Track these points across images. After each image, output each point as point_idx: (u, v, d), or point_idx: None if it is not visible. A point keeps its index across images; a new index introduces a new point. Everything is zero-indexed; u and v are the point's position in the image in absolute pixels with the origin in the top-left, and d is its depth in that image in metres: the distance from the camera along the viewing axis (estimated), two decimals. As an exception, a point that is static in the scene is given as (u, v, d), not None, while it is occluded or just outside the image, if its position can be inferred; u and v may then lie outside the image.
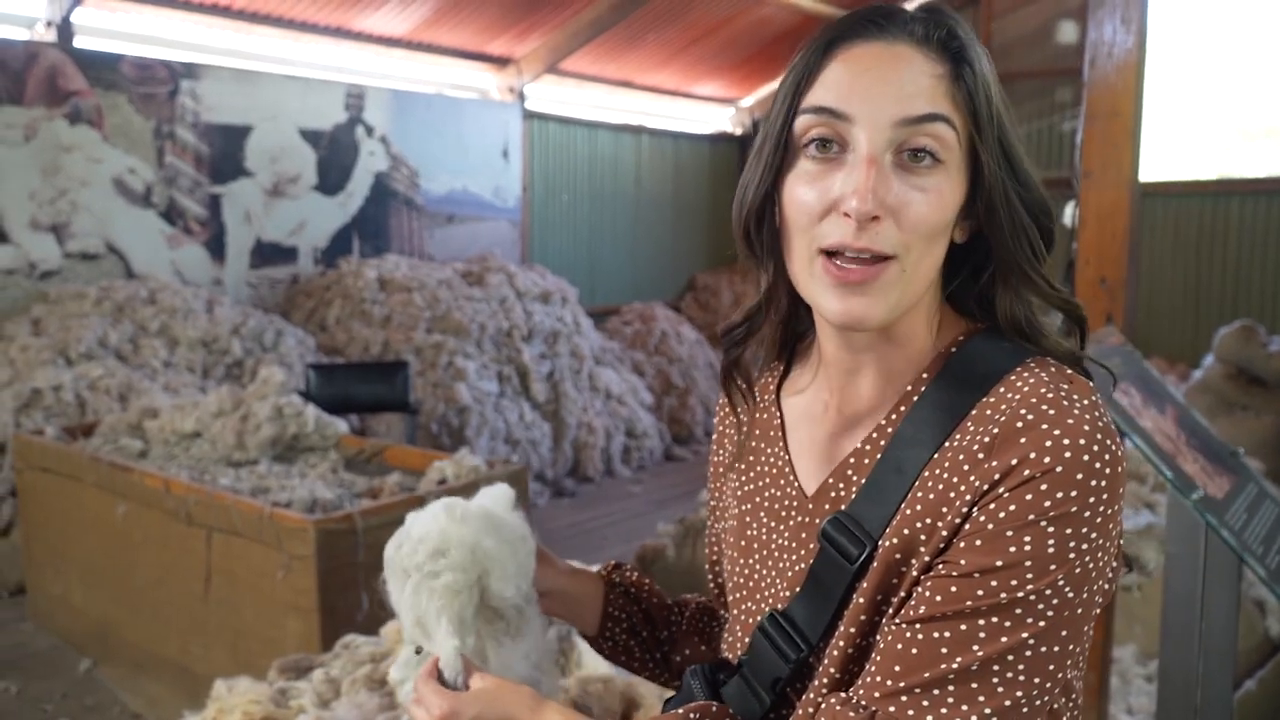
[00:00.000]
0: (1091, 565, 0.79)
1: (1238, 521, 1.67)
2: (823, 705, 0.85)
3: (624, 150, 10.17)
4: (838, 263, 0.85)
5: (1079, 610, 0.80)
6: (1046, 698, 0.80)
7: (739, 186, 0.94)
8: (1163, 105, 9.02)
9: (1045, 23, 9.73)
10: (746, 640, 0.97)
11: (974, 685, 0.78)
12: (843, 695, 0.84)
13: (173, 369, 5.79)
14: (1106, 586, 0.83)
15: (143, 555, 3.69)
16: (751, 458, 1.05)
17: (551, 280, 8.14)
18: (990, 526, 0.79)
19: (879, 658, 0.83)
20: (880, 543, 0.86)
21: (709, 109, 11.22)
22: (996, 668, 0.78)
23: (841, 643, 0.88)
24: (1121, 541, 0.85)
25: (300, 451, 4.20)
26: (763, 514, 1.00)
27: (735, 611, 1.02)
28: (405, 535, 1.11)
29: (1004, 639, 0.78)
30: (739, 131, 11.50)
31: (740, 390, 1.06)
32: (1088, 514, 0.78)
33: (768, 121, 0.91)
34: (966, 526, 0.81)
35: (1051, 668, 0.79)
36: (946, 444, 0.85)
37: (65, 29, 6.18)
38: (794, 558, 0.95)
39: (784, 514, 0.98)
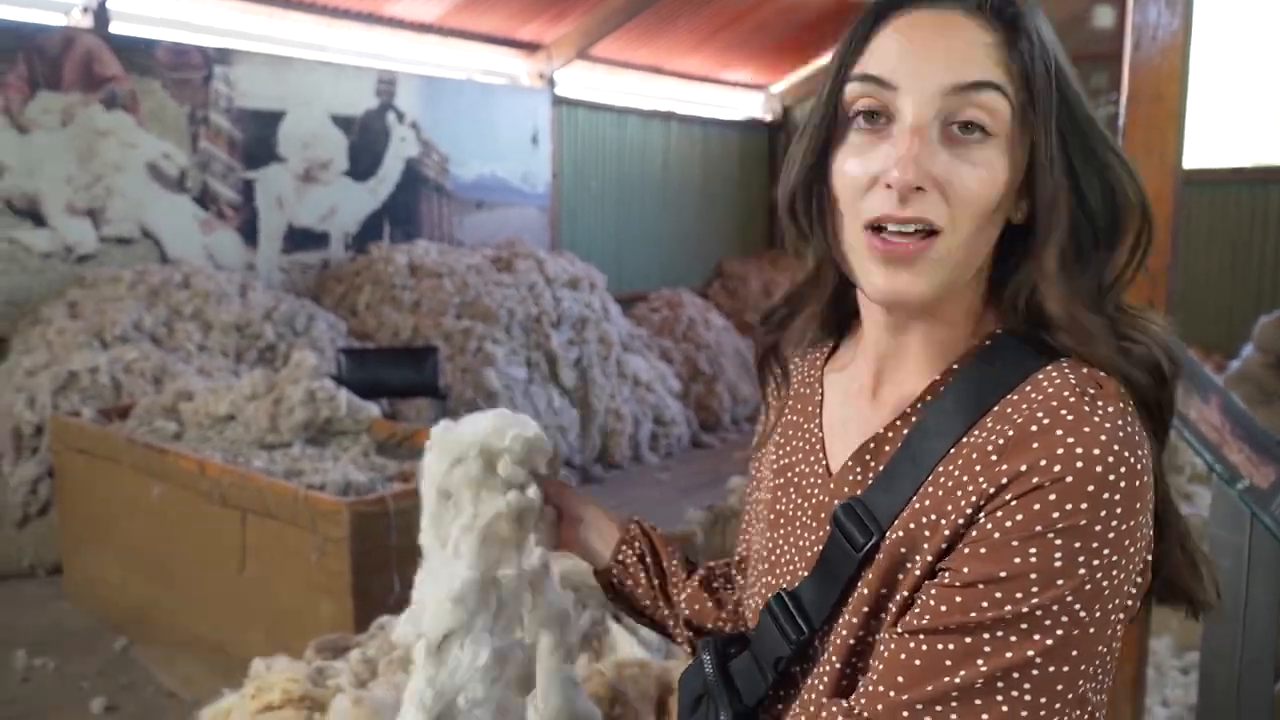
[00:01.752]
0: (1105, 582, 0.75)
1: (1283, 512, 1.65)
2: (824, 715, 0.83)
3: (653, 136, 10.14)
4: (883, 236, 0.83)
5: (1091, 630, 0.75)
6: (1064, 718, 0.76)
7: (786, 160, 0.91)
8: (1202, 91, 8.89)
9: (1080, 7, 9.61)
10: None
11: (977, 702, 0.75)
12: (845, 704, 0.82)
13: (206, 352, 5.84)
14: (1129, 604, 0.78)
15: (178, 536, 3.73)
16: (791, 431, 1.03)
17: (580, 266, 8.14)
18: (996, 535, 0.76)
19: (881, 666, 0.81)
20: (887, 534, 0.84)
21: (739, 95, 11.17)
22: (1001, 684, 0.75)
23: (844, 631, 0.86)
24: (1150, 557, 0.80)
25: (332, 435, 4.22)
26: (792, 489, 0.99)
27: (757, 584, 1.01)
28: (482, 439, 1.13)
29: (1009, 654, 0.74)
30: (769, 118, 11.45)
31: (774, 374, 1.05)
32: (1099, 528, 0.74)
33: (819, 92, 0.88)
34: (972, 532, 0.78)
35: (1060, 688, 0.75)
36: (965, 439, 0.83)
37: (101, 15, 6.23)
38: (812, 537, 0.94)
39: (809, 490, 0.97)
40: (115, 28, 6.31)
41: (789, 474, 1.01)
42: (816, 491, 0.96)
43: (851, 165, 0.85)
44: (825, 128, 0.87)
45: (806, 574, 0.91)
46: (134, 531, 3.99)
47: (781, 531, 0.99)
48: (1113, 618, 0.77)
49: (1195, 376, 1.87)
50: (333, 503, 3.11)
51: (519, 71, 8.98)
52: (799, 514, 0.97)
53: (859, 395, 0.96)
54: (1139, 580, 0.79)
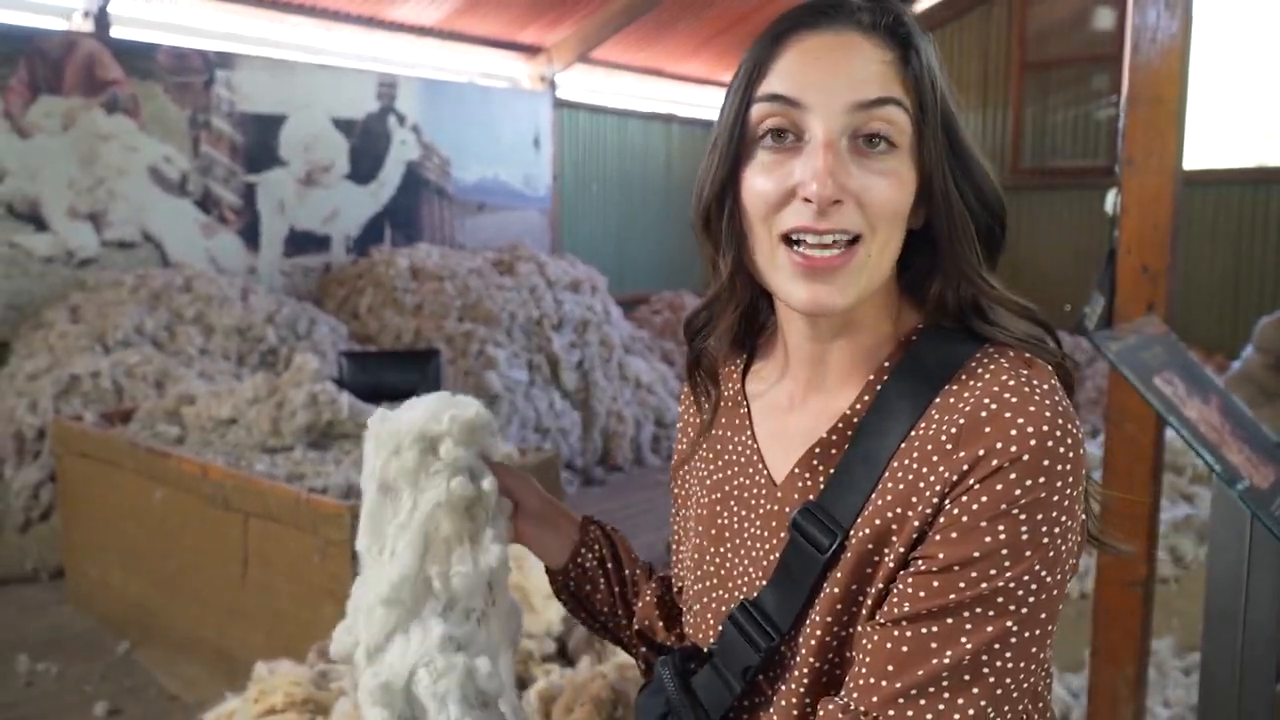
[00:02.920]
0: (1063, 546, 0.81)
1: (1283, 512, 1.65)
2: (820, 713, 0.86)
3: (654, 139, 10.15)
4: (801, 250, 0.86)
5: (1054, 592, 0.81)
6: (1032, 679, 0.82)
7: (697, 180, 0.95)
8: (1201, 92, 8.89)
9: (1081, 9, 9.61)
10: (718, 628, 0.97)
11: (966, 677, 0.79)
12: (839, 701, 0.85)
13: (208, 356, 5.84)
14: (1072, 563, 0.84)
15: (180, 539, 3.73)
16: (720, 446, 1.04)
17: (581, 269, 8.14)
18: (964, 519, 0.80)
19: (868, 659, 0.84)
20: (851, 533, 0.87)
21: (739, 97, 11.18)
22: (985, 657, 0.79)
23: (819, 632, 0.88)
24: (1084, 518, 0.86)
25: (334, 438, 4.23)
26: (733, 502, 1.00)
27: (705, 600, 1.02)
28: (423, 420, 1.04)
29: (989, 628, 0.79)
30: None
31: (703, 383, 1.06)
32: (1055, 498, 0.79)
33: (723, 113, 0.92)
34: (940, 519, 0.82)
35: (1034, 650, 0.81)
36: (913, 433, 0.86)
37: (102, 19, 6.24)
38: (766, 547, 0.96)
39: (754, 502, 0.98)
40: (116, 32, 6.32)
41: (726, 488, 1.02)
42: (762, 502, 0.97)
43: (762, 182, 0.88)
44: (734, 147, 0.90)
45: (765, 582, 0.93)
46: (136, 535, 3.99)
47: (729, 545, 1.00)
48: (1067, 578, 0.83)
49: (1195, 376, 1.88)
50: (335, 506, 3.11)
51: (520, 74, 8.99)
52: (746, 526, 0.98)
53: (790, 404, 0.99)
54: (1080, 540, 0.85)
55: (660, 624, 1.13)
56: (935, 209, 0.89)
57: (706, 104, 10.88)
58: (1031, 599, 0.80)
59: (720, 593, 1.00)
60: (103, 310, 5.71)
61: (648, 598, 1.15)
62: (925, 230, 0.92)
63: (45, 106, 5.88)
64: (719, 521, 1.01)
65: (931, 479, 0.83)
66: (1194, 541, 3.48)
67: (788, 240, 0.87)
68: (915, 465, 0.85)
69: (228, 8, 6.93)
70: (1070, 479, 0.80)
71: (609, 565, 1.16)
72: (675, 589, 1.14)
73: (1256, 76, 9.27)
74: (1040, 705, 0.89)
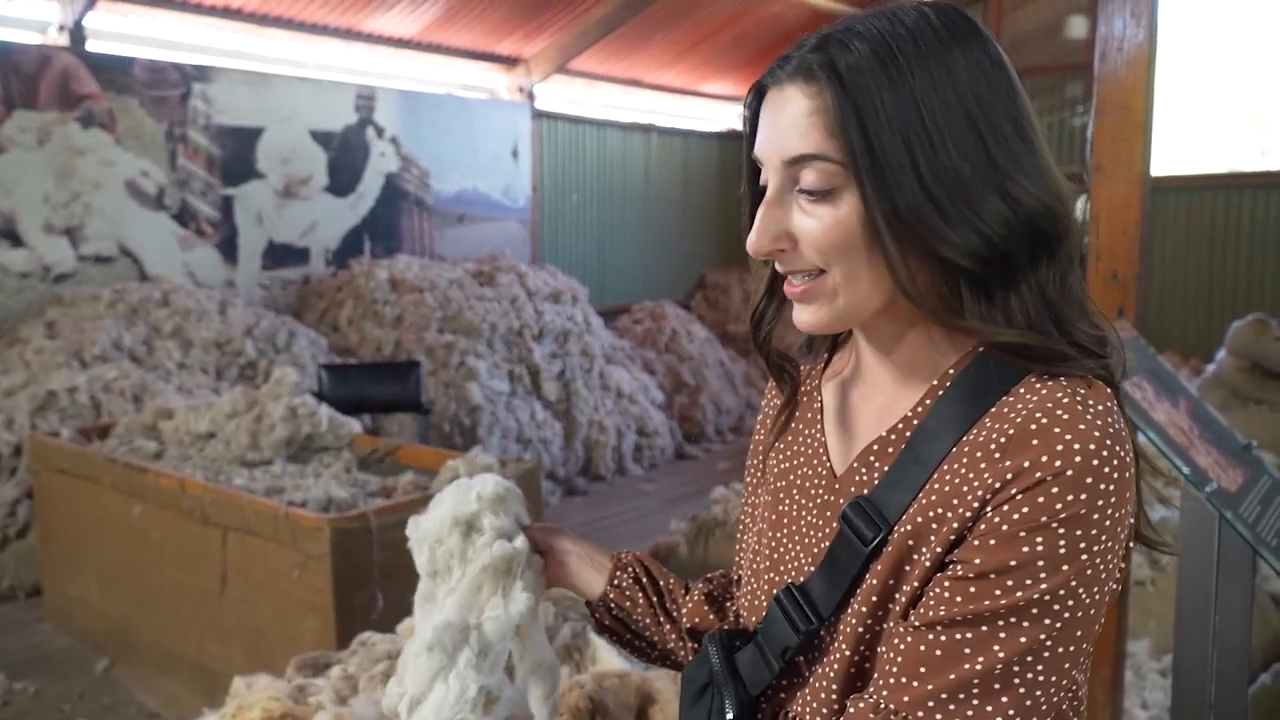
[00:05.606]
0: (1101, 566, 0.82)
1: (1251, 514, 1.67)
2: (851, 710, 0.88)
3: (633, 149, 10.17)
4: (789, 280, 0.95)
5: (1091, 610, 0.82)
6: (1062, 694, 0.83)
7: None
8: (1173, 98, 8.98)
9: (1055, 18, 9.70)
10: (767, 610, 1.00)
11: (997, 686, 0.81)
12: (870, 700, 0.87)
13: (186, 370, 5.82)
14: (1113, 586, 0.85)
15: (159, 555, 3.71)
16: (791, 437, 1.08)
17: (562, 279, 8.15)
18: (1004, 528, 0.82)
19: (900, 660, 0.86)
20: (895, 528, 0.89)
21: (718, 107, 11.21)
22: (1017, 668, 0.81)
23: (854, 621, 0.91)
24: (1131, 544, 0.87)
25: (314, 451, 4.22)
26: (795, 491, 1.04)
27: (759, 581, 1.06)
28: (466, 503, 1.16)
29: (1023, 639, 0.81)
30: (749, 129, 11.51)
31: (786, 372, 1.09)
32: (1096, 516, 0.80)
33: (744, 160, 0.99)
34: (980, 525, 0.84)
35: (1067, 666, 0.82)
36: (965, 438, 0.88)
37: (77, 33, 6.21)
38: (818, 535, 0.99)
39: (813, 491, 1.02)
40: (92, 46, 6.30)
41: (791, 476, 1.06)
42: (821, 492, 1.01)
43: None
44: (752, 194, 0.98)
45: (814, 568, 0.97)
46: (115, 551, 3.97)
47: (785, 531, 1.04)
48: (1105, 598, 0.84)
49: (1165, 380, 1.90)
50: (314, 519, 3.10)
51: (498, 85, 9.00)
52: (803, 514, 1.02)
53: (859, 401, 1.02)
54: (1123, 563, 0.86)
55: (712, 617, 1.17)
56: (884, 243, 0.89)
57: (686, 114, 10.91)
58: (1066, 614, 0.81)
59: (773, 575, 1.03)
60: (80, 325, 5.68)
61: (696, 598, 1.19)
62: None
63: (20, 121, 5.85)
64: (780, 508, 1.05)
65: (975, 483, 0.85)
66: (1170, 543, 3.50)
67: None
68: (962, 470, 0.86)
69: (204, 21, 6.91)
70: (1114, 500, 0.81)
71: (644, 580, 1.21)
72: (736, 577, 1.18)
73: (1229, 83, 9.37)
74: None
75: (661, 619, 1.20)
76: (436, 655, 1.07)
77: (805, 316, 0.94)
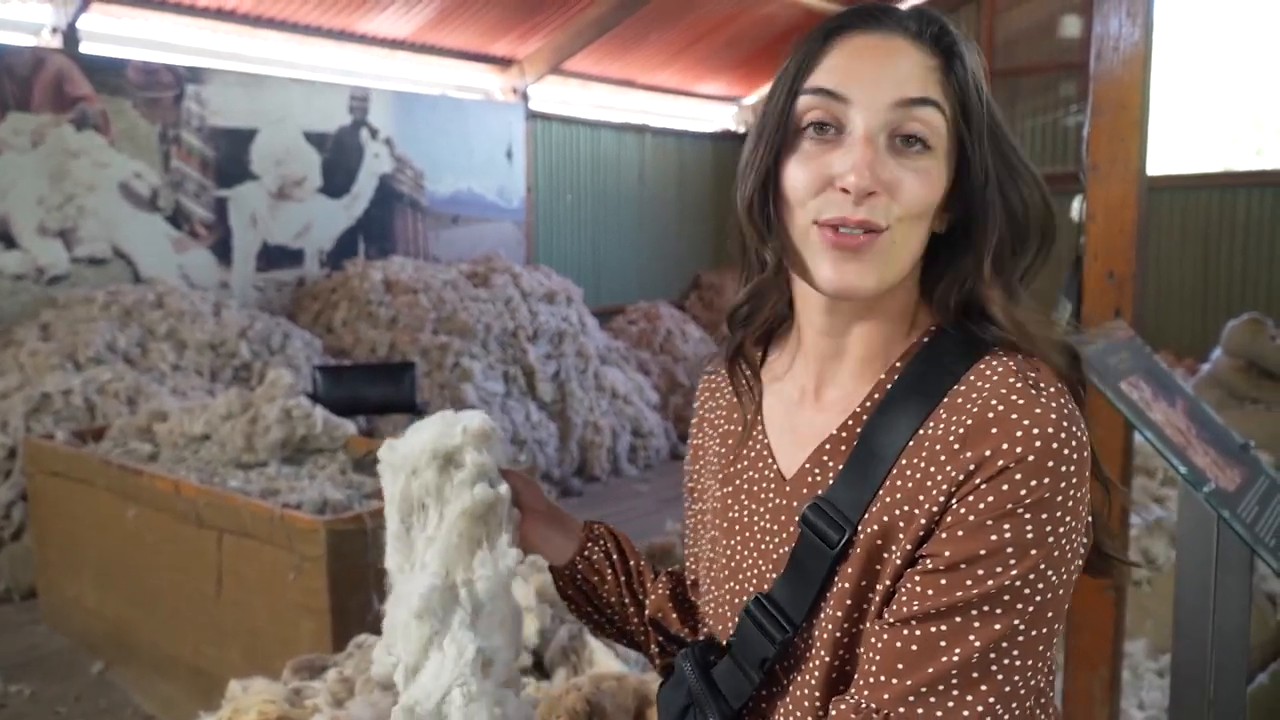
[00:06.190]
0: (1067, 546, 0.83)
1: (1249, 514, 1.67)
2: (833, 713, 0.88)
3: (628, 150, 10.17)
4: (837, 229, 0.88)
5: (1060, 591, 0.83)
6: (1039, 678, 0.84)
7: (741, 167, 0.96)
8: (1169, 98, 9.00)
9: (1048, 17, 9.71)
10: (734, 621, 0.99)
11: (975, 675, 0.82)
12: (850, 700, 0.87)
13: (181, 372, 5.80)
14: (1079, 564, 0.86)
15: (154, 558, 3.70)
16: (732, 441, 1.07)
17: (556, 280, 8.14)
18: (971, 518, 0.82)
19: (878, 658, 0.86)
20: (860, 528, 0.89)
21: (712, 107, 11.21)
22: (994, 655, 0.81)
23: (830, 626, 0.90)
24: (1090, 519, 0.88)
25: (309, 453, 4.21)
26: (744, 496, 1.02)
27: (718, 591, 1.04)
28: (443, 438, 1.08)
29: (997, 626, 0.81)
30: (742, 129, 11.50)
31: (745, 374, 1.07)
32: (1060, 498, 0.81)
33: (769, 104, 0.94)
34: (947, 518, 0.84)
35: (1041, 648, 0.83)
36: (921, 431, 0.88)
37: (71, 35, 6.20)
38: (776, 540, 0.98)
39: (763, 496, 1.00)
40: (85, 48, 6.28)
41: (737, 481, 1.04)
42: (772, 496, 0.99)
43: (803, 172, 0.91)
44: (779, 136, 0.92)
45: (776, 575, 0.95)
46: (110, 553, 3.96)
47: (739, 538, 1.02)
48: (1073, 577, 0.85)
49: (1161, 380, 1.90)
50: (309, 521, 3.10)
51: (492, 86, 8.99)
52: (756, 519, 1.00)
53: (801, 400, 1.01)
54: (1086, 541, 0.87)
55: (674, 616, 1.15)
56: (973, 212, 0.92)
57: (680, 114, 10.91)
58: (1038, 597, 0.81)
59: (733, 584, 1.02)
60: (74, 327, 5.66)
61: (660, 591, 1.17)
62: (948, 235, 0.94)
63: (14, 123, 5.83)
64: (730, 515, 1.03)
65: (939, 478, 0.85)
66: (1166, 543, 3.51)
67: (821, 225, 0.90)
68: (923, 464, 0.87)
69: (198, 22, 6.90)
70: (1075, 480, 0.82)
71: (614, 557, 1.18)
72: (690, 581, 1.17)
73: (1223, 82, 9.39)
74: (1043, 702, 0.91)
75: (627, 599, 1.18)
76: (428, 622, 1.02)
77: (851, 277, 0.88)
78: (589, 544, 1.18)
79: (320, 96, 7.45)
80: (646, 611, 1.17)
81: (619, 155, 10.07)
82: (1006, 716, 0.82)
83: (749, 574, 1.00)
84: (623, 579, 1.18)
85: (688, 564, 1.18)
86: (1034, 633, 0.82)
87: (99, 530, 3.97)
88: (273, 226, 7.21)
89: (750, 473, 1.03)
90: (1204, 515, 1.67)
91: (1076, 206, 2.24)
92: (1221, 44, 9.29)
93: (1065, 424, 0.83)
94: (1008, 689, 0.82)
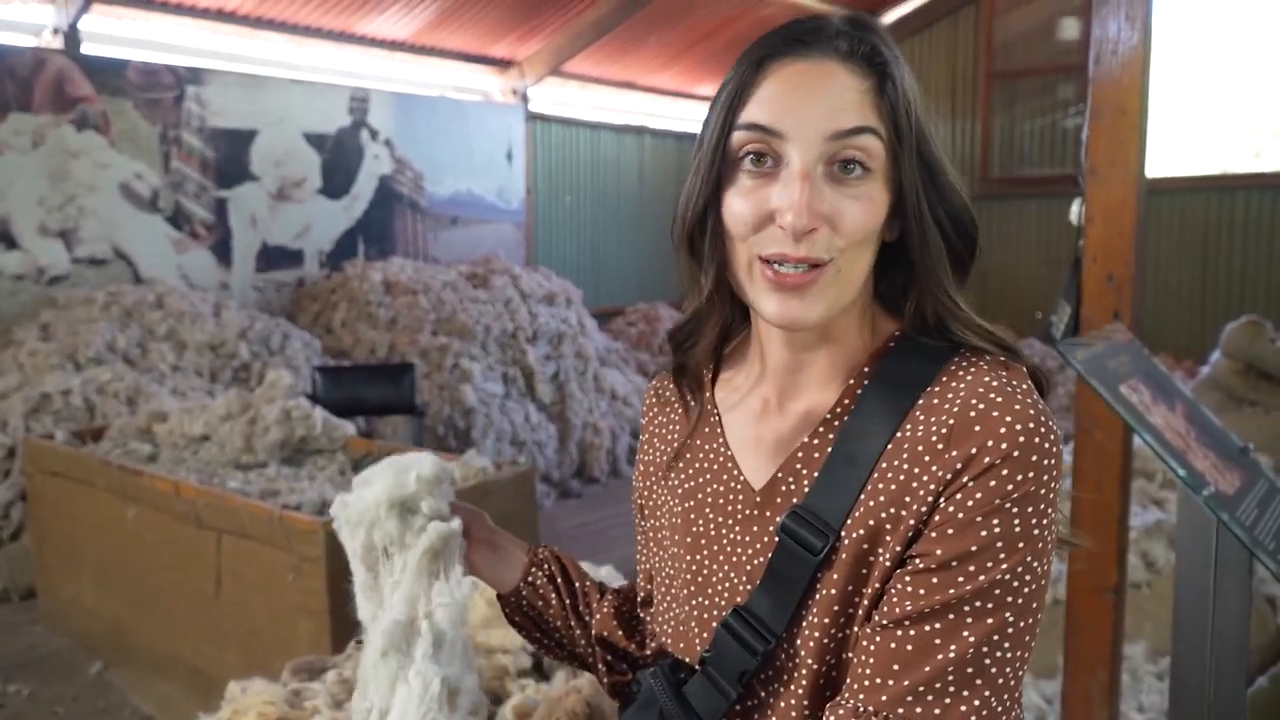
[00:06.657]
0: (1049, 536, 0.85)
1: (1249, 517, 1.67)
2: (830, 718, 0.87)
3: (627, 151, 10.18)
4: (776, 268, 0.89)
5: (1043, 580, 0.85)
6: (1025, 668, 0.86)
7: (681, 197, 0.98)
8: (1167, 100, 9.01)
9: (1047, 20, 9.72)
10: (705, 636, 0.98)
11: (970, 671, 0.82)
12: (848, 705, 0.86)
13: (180, 373, 5.80)
14: (1054, 554, 0.88)
15: (154, 558, 3.70)
16: (689, 455, 1.06)
17: (556, 282, 8.15)
18: (960, 515, 0.84)
19: (872, 660, 0.86)
20: (843, 534, 0.89)
21: (712, 109, 11.22)
22: (987, 650, 0.82)
23: (817, 634, 0.90)
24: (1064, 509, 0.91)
25: (308, 454, 4.21)
26: (708, 509, 1.02)
27: (685, 608, 1.03)
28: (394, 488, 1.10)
29: (990, 620, 0.82)
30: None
31: (689, 391, 1.08)
32: (1043, 490, 0.84)
33: (705, 135, 0.94)
34: (935, 517, 0.85)
35: (1028, 639, 0.85)
36: (899, 434, 0.89)
37: (72, 36, 6.20)
38: (749, 552, 0.97)
39: (730, 509, 1.00)
40: (86, 48, 6.29)
41: (700, 495, 1.03)
42: (740, 508, 0.99)
43: (741, 205, 0.91)
44: (715, 169, 0.92)
45: (751, 587, 0.95)
46: (109, 554, 3.96)
47: (706, 552, 1.01)
48: (1051, 567, 0.88)
49: (1160, 383, 1.90)
50: (309, 522, 3.09)
51: (492, 88, 9.00)
52: (725, 532, 1.00)
53: (765, 412, 1.01)
54: (1059, 528, 0.89)
55: (620, 633, 1.15)
56: (909, 228, 0.92)
57: (679, 116, 10.92)
58: (1026, 589, 0.83)
59: (701, 599, 1.01)
60: (74, 328, 5.66)
61: (605, 609, 1.17)
62: (900, 242, 0.95)
63: (14, 124, 5.83)
64: (694, 529, 1.02)
65: (925, 478, 0.86)
66: (1165, 546, 3.51)
67: (764, 260, 0.90)
68: (906, 466, 0.88)
69: (198, 23, 6.90)
70: (1054, 472, 0.85)
71: (559, 580, 1.18)
72: (640, 597, 1.16)
73: (1221, 84, 9.40)
74: (1018, 695, 0.93)
75: (573, 622, 1.18)
76: (393, 658, 1.04)
77: (798, 312, 0.89)
78: (533, 569, 1.18)
79: (320, 97, 7.46)
80: (593, 631, 1.17)
81: (618, 157, 10.08)
82: (1000, 709, 0.83)
83: (719, 588, 0.99)
84: (568, 602, 1.18)
85: (639, 581, 1.17)
86: (1022, 624, 0.83)
87: (98, 531, 3.97)
88: (272, 227, 7.21)
89: (714, 485, 1.02)
90: (1203, 518, 1.68)
91: (1075, 209, 2.25)
92: (1220, 47, 9.30)
93: (1044, 419, 0.85)
94: (1001, 681, 0.83)
